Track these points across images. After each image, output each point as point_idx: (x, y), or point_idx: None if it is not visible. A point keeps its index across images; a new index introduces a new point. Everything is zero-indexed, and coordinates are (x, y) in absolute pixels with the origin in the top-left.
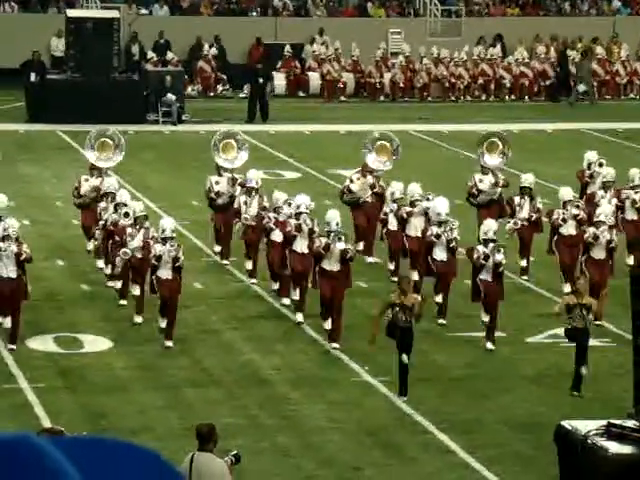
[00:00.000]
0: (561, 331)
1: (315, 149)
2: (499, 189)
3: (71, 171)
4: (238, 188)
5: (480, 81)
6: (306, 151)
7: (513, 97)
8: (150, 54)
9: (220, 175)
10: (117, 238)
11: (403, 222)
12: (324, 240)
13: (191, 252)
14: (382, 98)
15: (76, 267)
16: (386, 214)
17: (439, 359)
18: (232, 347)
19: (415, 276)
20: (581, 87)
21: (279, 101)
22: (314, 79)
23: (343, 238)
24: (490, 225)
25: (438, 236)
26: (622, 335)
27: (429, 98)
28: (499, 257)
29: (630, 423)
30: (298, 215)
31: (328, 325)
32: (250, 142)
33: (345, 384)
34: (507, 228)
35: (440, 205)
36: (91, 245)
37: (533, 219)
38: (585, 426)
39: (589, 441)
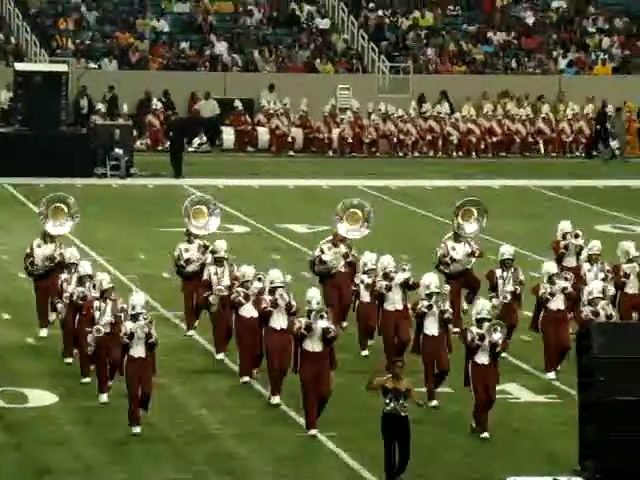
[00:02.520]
0: (508, 387)
1: (264, 203)
2: (473, 259)
3: (17, 224)
4: (209, 256)
5: (428, 137)
6: (255, 205)
7: (460, 153)
8: (99, 105)
9: (190, 242)
10: (84, 313)
11: (380, 297)
12: (304, 320)
13: None
14: (330, 153)
15: (22, 320)
16: (357, 286)
17: None
18: (179, 402)
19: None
20: (614, 144)
21: (228, 155)
22: (263, 134)
23: (325, 316)
24: (484, 304)
25: (430, 307)
26: (568, 391)
27: (377, 154)
28: (496, 337)
29: None
30: (273, 290)
31: (313, 431)
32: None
33: (291, 439)
34: (495, 303)
35: (430, 279)
36: (45, 332)
37: (517, 292)
38: None
39: None
